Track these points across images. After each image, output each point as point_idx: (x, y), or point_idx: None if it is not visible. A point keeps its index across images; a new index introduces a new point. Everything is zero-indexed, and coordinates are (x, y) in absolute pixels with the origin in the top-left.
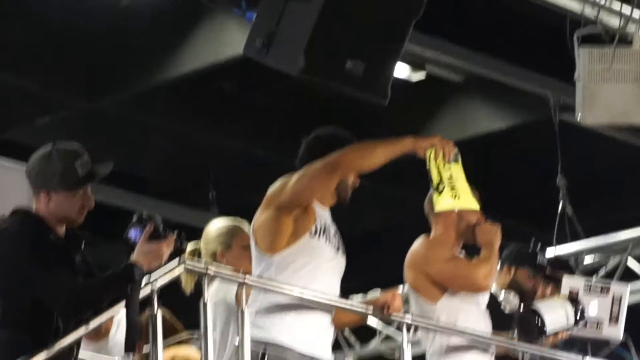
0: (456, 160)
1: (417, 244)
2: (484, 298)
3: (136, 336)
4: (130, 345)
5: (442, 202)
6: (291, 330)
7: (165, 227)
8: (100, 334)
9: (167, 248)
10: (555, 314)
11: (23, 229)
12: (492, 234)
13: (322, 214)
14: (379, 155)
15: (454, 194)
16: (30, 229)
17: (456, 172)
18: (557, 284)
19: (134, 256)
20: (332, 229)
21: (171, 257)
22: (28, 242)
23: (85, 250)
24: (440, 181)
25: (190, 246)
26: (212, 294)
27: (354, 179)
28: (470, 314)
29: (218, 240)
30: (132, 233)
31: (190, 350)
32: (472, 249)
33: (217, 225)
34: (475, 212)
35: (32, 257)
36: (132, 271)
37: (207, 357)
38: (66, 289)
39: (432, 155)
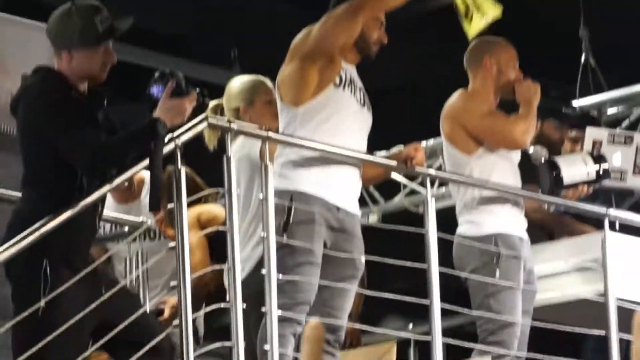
0: None
1: (456, 96)
2: (517, 154)
3: (160, 193)
4: (155, 202)
5: (474, 27)
6: (318, 181)
7: (187, 84)
8: (131, 196)
9: (189, 104)
10: (574, 167)
11: (45, 86)
12: (531, 92)
13: (348, 68)
14: None
15: (481, 13)
16: (52, 86)
17: None
18: (584, 132)
19: (157, 112)
20: (358, 84)
21: (194, 114)
22: (50, 99)
23: (107, 107)
24: (467, 8)
25: (212, 103)
26: (236, 150)
27: (379, 33)
28: (504, 170)
29: (241, 96)
30: (155, 89)
31: (216, 208)
32: (509, 106)
33: (239, 82)
34: (515, 68)
35: (54, 114)
36: (156, 127)
37: (231, 213)
38: (89, 145)
39: None
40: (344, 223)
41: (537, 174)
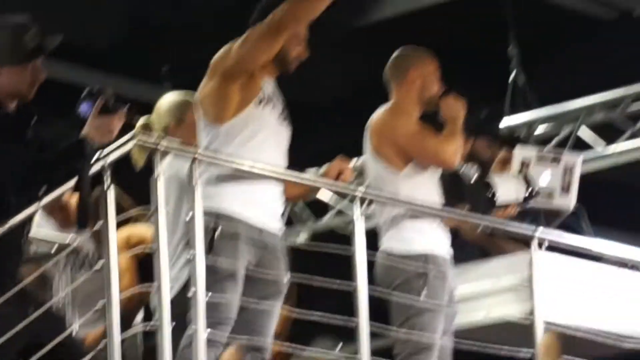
0: None
1: (382, 111)
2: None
3: (88, 212)
4: (83, 221)
5: None
6: (242, 202)
7: (116, 101)
8: (69, 223)
9: (118, 122)
10: (507, 188)
11: None
12: (457, 109)
13: (267, 83)
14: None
15: None
16: None
17: None
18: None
19: (85, 131)
20: (278, 99)
21: (123, 132)
22: None
23: (36, 125)
24: None
25: (141, 120)
26: (165, 168)
27: (298, 49)
28: (431, 188)
29: (170, 114)
30: (83, 107)
31: (145, 229)
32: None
33: (169, 99)
34: (437, 82)
35: None
36: (84, 146)
37: (159, 233)
38: (17, 164)
39: None
40: (268, 242)
41: (469, 193)
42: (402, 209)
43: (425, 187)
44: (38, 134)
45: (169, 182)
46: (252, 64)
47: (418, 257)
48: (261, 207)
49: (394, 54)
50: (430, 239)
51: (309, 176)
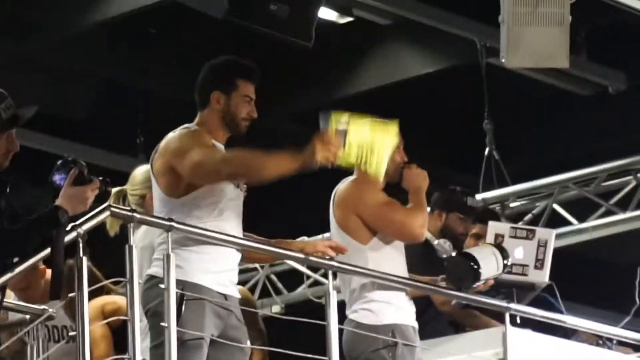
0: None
1: (346, 184)
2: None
3: (61, 281)
4: (55, 291)
5: (376, 167)
6: (208, 271)
7: (89, 172)
8: (35, 298)
9: (91, 192)
10: (488, 261)
11: None
12: (420, 179)
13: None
14: (268, 170)
15: (374, 165)
16: None
17: (357, 139)
18: (486, 227)
19: (59, 200)
20: None
21: (96, 201)
22: None
23: (10, 194)
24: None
25: (115, 189)
26: (139, 238)
27: (248, 108)
28: (397, 260)
29: (146, 184)
30: (57, 177)
31: (119, 298)
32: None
33: (143, 170)
34: (399, 151)
35: None
36: (57, 214)
37: (132, 302)
38: None
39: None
40: (230, 309)
41: (451, 267)
42: (368, 279)
43: (391, 259)
44: (11, 204)
45: (142, 251)
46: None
47: (386, 328)
48: (225, 275)
49: None
50: (398, 310)
51: (283, 250)
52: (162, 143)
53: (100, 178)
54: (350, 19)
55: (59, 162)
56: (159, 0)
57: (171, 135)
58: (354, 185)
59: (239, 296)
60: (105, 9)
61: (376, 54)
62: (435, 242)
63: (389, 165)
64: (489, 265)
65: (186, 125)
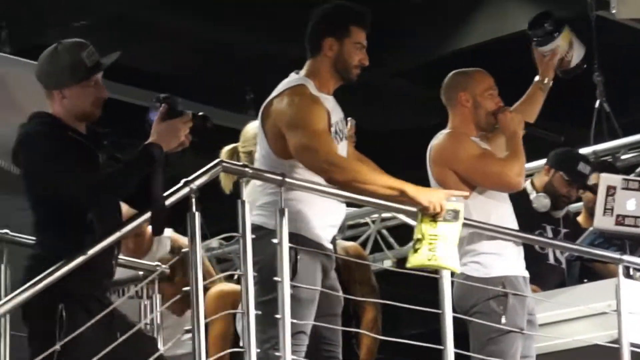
0: (455, 219)
1: (440, 138)
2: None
3: (163, 216)
4: (158, 227)
5: (416, 258)
6: (318, 226)
7: (182, 106)
8: (141, 252)
9: (183, 125)
10: None
11: (40, 130)
12: (515, 123)
13: (332, 110)
14: (372, 187)
15: (431, 255)
16: (47, 129)
17: (447, 231)
18: (594, 193)
19: (151, 137)
20: (340, 119)
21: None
22: (46, 144)
23: (108, 145)
24: (421, 238)
25: (227, 147)
26: (247, 194)
27: (360, 55)
28: (502, 211)
29: (254, 140)
30: (150, 115)
31: (234, 285)
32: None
33: (253, 126)
34: (492, 98)
35: (51, 159)
36: (151, 150)
37: (245, 257)
38: (85, 182)
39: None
40: (332, 260)
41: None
42: (474, 230)
43: (496, 211)
44: (111, 156)
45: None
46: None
47: (496, 280)
48: (331, 229)
49: (445, 80)
50: (507, 262)
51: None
52: (274, 99)
53: (201, 114)
54: None
55: (153, 99)
56: None
57: (285, 91)
58: (447, 139)
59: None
60: None
61: (485, 8)
62: (533, 195)
63: (482, 114)
64: None
65: (295, 76)
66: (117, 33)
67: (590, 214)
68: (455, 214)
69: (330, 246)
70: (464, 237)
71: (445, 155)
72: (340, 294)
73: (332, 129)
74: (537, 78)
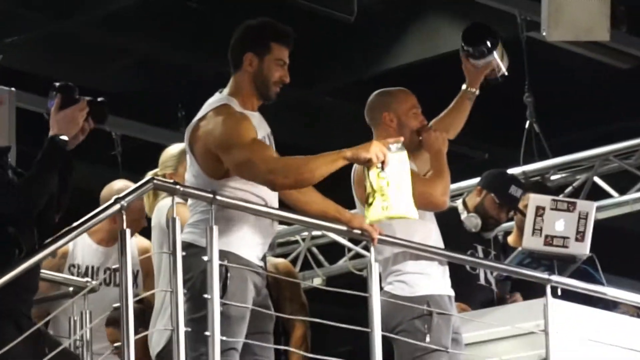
0: (401, 165)
1: None
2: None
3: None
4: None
5: (371, 212)
6: (249, 244)
7: (79, 93)
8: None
9: (80, 112)
10: None
11: None
12: (439, 141)
13: (257, 125)
14: (320, 171)
15: (385, 205)
16: None
17: (396, 178)
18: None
19: (51, 128)
20: (267, 134)
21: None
22: None
23: (9, 162)
24: (372, 192)
25: (150, 173)
26: (153, 217)
27: (281, 72)
28: (427, 229)
29: (168, 163)
30: (50, 105)
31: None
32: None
33: (169, 150)
34: (417, 116)
35: None
36: (55, 141)
37: (176, 274)
38: (10, 190)
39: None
40: (263, 277)
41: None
42: (400, 250)
43: (421, 230)
44: (17, 170)
45: (153, 230)
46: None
47: (421, 299)
48: (263, 246)
49: (368, 100)
50: (432, 281)
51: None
52: (200, 121)
53: (90, 98)
54: None
55: (50, 90)
56: None
57: (209, 113)
58: None
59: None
60: None
61: (416, 29)
62: (464, 215)
63: (406, 133)
64: None
65: (219, 96)
66: (52, 47)
67: (522, 233)
68: (401, 160)
69: (261, 263)
70: (389, 257)
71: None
72: (272, 311)
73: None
74: (464, 87)
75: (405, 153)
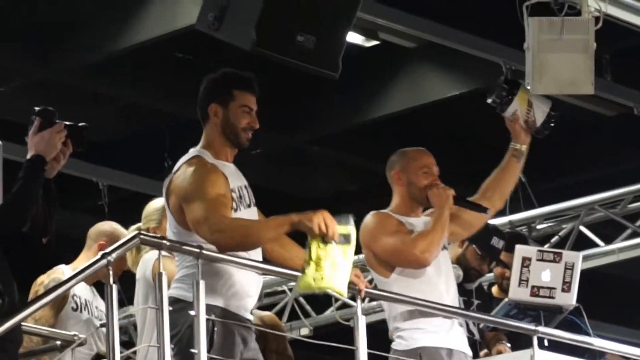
0: (346, 241)
1: (366, 220)
2: (438, 268)
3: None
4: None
5: (303, 281)
6: (235, 297)
7: (56, 117)
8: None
9: (57, 134)
10: None
11: None
12: (442, 198)
13: (230, 176)
14: (267, 236)
15: (319, 276)
16: None
17: (336, 253)
18: (505, 267)
19: (29, 150)
20: (243, 185)
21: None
22: None
23: None
24: (309, 260)
25: (133, 227)
26: (138, 270)
27: (248, 119)
28: (422, 287)
29: (151, 217)
30: (29, 128)
31: None
32: None
33: (154, 202)
34: (427, 175)
35: None
36: (32, 161)
37: (163, 330)
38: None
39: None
40: (252, 331)
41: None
42: (400, 308)
43: (417, 289)
44: None
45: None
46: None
47: (414, 351)
48: (250, 299)
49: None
50: (426, 334)
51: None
52: (173, 175)
53: (67, 122)
54: (376, 42)
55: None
56: (186, 26)
57: (182, 166)
58: (369, 220)
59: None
60: (133, 35)
61: (402, 77)
62: None
63: (415, 191)
64: None
65: (192, 150)
66: (38, 96)
67: (500, 287)
68: (347, 237)
69: (251, 317)
70: (391, 315)
71: (365, 236)
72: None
73: (235, 195)
74: (511, 144)
75: (354, 233)
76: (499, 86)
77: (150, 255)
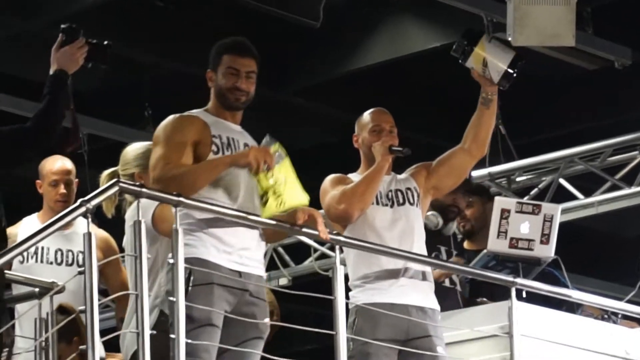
0: (280, 158)
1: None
2: (387, 215)
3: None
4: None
5: (266, 210)
6: (217, 248)
7: (77, 33)
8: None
9: (78, 50)
10: None
11: None
12: (376, 151)
13: (217, 127)
14: (201, 180)
15: (279, 201)
16: None
17: (282, 173)
18: (479, 198)
19: (52, 65)
20: (242, 141)
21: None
22: None
23: None
24: (264, 193)
25: (107, 170)
26: (129, 216)
27: (233, 80)
28: (369, 237)
29: (135, 162)
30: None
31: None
32: None
33: (134, 148)
34: (374, 132)
35: None
36: (56, 74)
37: (141, 278)
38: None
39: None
40: (247, 286)
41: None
42: (351, 266)
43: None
44: None
45: (131, 229)
46: None
47: (355, 311)
48: (240, 252)
49: None
50: (365, 291)
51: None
52: None
53: (90, 39)
54: None
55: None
56: None
57: None
58: (324, 182)
59: (259, 274)
60: None
61: (383, 29)
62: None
63: (367, 151)
64: None
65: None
66: (16, 48)
67: (464, 235)
68: (280, 154)
69: (241, 269)
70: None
71: (321, 192)
72: (257, 319)
73: (217, 140)
74: (481, 92)
75: (281, 146)
76: (459, 40)
77: (146, 202)
